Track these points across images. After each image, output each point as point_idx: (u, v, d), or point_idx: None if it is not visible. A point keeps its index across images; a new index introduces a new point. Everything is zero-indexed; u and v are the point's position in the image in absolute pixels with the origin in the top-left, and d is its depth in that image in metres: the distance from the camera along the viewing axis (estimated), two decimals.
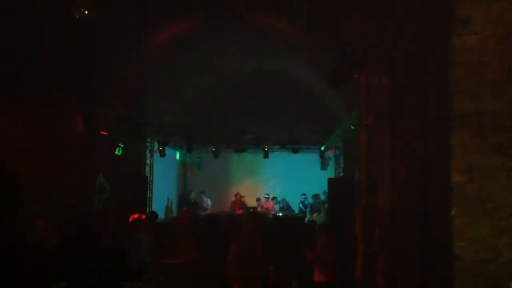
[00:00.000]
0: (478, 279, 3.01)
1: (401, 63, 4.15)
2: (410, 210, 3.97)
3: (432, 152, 3.40)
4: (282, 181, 17.96)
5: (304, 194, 16.36)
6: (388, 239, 4.68)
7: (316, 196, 15.94)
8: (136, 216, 6.80)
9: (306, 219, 14.60)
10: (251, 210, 15.71)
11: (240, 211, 15.70)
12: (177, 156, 17.39)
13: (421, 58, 3.59)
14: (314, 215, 14.85)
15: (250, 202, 16.94)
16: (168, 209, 16.33)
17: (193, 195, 17.08)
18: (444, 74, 3.08)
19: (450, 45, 3.00)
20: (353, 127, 9.90)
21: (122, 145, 11.71)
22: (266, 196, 16.88)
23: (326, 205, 14.33)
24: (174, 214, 15.74)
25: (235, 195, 16.97)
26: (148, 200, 13.82)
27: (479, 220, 3.04)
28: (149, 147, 14.72)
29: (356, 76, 6.54)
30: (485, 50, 2.97)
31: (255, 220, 6.17)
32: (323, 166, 16.84)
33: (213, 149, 16.61)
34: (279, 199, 17.25)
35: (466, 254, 3.01)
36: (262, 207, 16.42)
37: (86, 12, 7.68)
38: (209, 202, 17.16)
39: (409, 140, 3.93)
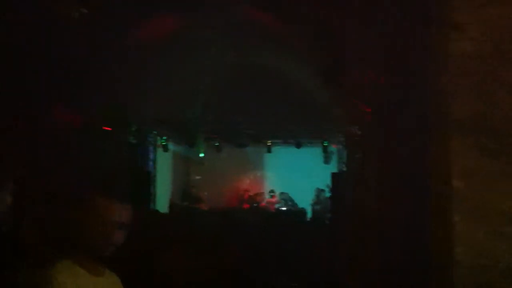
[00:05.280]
0: (477, 285, 2.96)
1: (396, 68, 4.11)
2: (405, 214, 3.94)
3: (428, 157, 3.36)
4: (285, 175, 17.97)
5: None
6: (379, 243, 4.66)
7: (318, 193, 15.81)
8: None
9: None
10: (255, 205, 15.83)
11: (247, 205, 15.83)
12: (180, 151, 17.41)
13: (416, 63, 3.55)
14: None
15: (254, 197, 17.02)
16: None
17: (195, 190, 17.13)
18: (439, 80, 3.03)
19: (445, 51, 2.95)
20: (351, 125, 9.85)
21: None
22: (271, 193, 16.99)
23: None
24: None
25: (243, 190, 17.06)
26: (151, 195, 13.81)
27: (478, 225, 2.98)
28: (152, 142, 14.72)
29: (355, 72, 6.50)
30: (481, 56, 2.93)
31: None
32: (326, 161, 16.84)
33: (216, 144, 16.61)
34: (281, 193, 17.33)
35: (465, 260, 2.96)
36: (266, 202, 16.54)
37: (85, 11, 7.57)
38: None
39: (404, 145, 3.89)
